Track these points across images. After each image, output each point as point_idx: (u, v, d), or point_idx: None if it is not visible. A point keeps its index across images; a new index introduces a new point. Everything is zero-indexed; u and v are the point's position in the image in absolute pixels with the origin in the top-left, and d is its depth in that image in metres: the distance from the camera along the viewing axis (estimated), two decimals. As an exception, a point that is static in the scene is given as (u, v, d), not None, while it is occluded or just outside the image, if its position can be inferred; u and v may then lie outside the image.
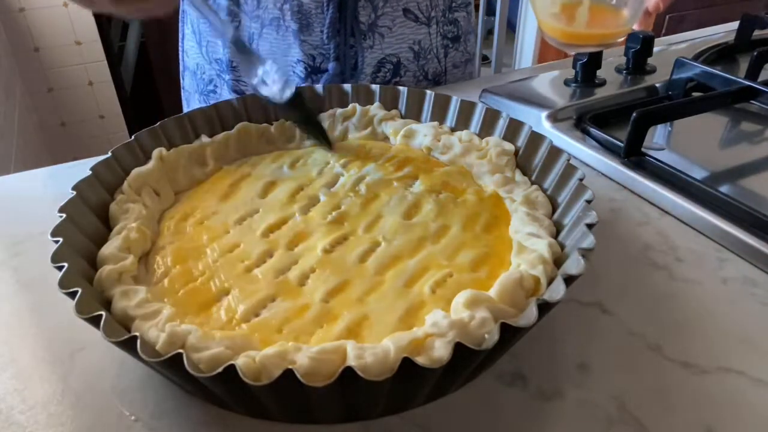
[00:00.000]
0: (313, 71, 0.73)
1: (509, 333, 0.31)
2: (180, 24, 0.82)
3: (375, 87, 0.60)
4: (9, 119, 1.63)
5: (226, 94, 0.79)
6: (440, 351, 0.32)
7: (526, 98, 0.71)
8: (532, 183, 0.49)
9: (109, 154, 0.48)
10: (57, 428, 0.35)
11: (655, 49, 0.77)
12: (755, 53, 0.71)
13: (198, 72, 0.80)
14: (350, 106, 0.59)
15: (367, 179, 0.50)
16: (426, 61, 0.78)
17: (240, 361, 0.31)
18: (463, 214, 0.46)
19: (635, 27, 0.57)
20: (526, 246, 0.41)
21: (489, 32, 2.75)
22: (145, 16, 0.49)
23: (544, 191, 0.48)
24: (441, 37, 0.78)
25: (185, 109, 0.84)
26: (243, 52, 0.54)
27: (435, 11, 0.76)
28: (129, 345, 0.31)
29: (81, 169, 0.46)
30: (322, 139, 0.55)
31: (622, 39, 0.58)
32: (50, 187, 0.61)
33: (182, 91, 0.86)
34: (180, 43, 0.83)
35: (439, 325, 0.33)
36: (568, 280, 0.34)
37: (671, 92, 0.72)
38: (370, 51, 0.74)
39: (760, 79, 0.71)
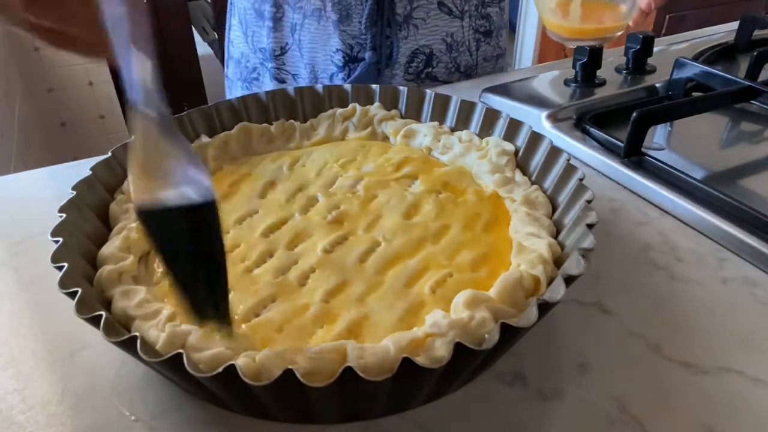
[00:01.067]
0: (350, 60, 0.77)
1: (509, 333, 0.31)
2: (228, 16, 0.86)
3: (375, 87, 0.60)
4: (9, 119, 1.63)
5: (267, 80, 0.83)
6: (440, 351, 0.32)
7: (526, 98, 0.71)
8: (532, 183, 0.49)
9: (109, 154, 0.48)
10: (57, 428, 0.35)
11: (655, 49, 0.77)
12: (755, 53, 0.71)
13: (242, 60, 0.84)
14: (350, 106, 0.59)
15: (367, 179, 0.50)
16: (458, 54, 0.81)
17: (240, 361, 0.31)
18: (463, 214, 0.46)
19: (631, 25, 0.57)
20: (526, 246, 0.41)
21: (489, 32, 2.74)
22: (73, 50, 0.38)
23: (544, 191, 0.48)
24: (473, 31, 0.81)
25: (228, 97, 0.88)
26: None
27: (468, 5, 0.79)
28: (129, 345, 0.31)
29: (81, 169, 0.46)
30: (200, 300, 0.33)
31: (621, 33, 0.59)
32: (50, 187, 0.61)
33: (225, 79, 0.91)
34: (226, 34, 0.88)
35: (439, 325, 0.33)
36: (568, 280, 0.34)
37: (671, 92, 0.72)
38: (404, 41, 0.77)
39: (760, 79, 0.71)
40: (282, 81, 0.82)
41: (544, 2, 0.57)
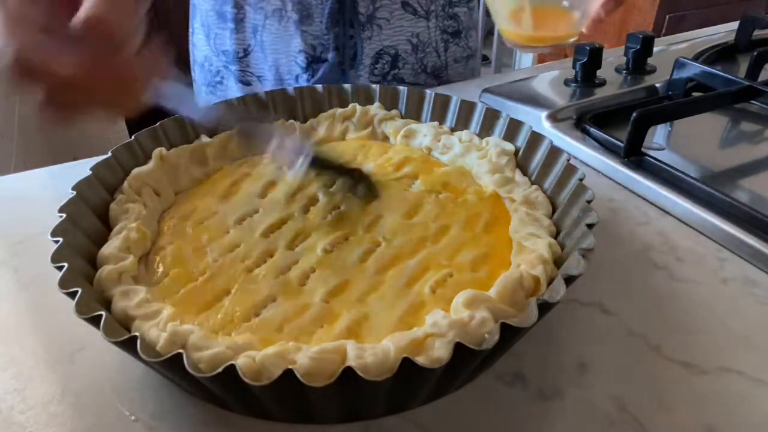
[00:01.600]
0: (313, 61, 0.75)
1: (509, 333, 0.31)
2: (190, 20, 0.85)
3: (375, 87, 0.60)
4: (9, 119, 1.63)
5: (232, 84, 0.81)
6: (440, 351, 0.32)
7: (526, 98, 0.71)
8: (532, 183, 0.49)
9: (109, 154, 0.48)
10: (57, 428, 0.35)
11: (655, 49, 0.77)
12: (755, 53, 0.71)
13: (206, 64, 0.83)
14: (350, 106, 0.59)
15: (367, 179, 0.50)
16: (425, 55, 0.79)
17: (240, 361, 0.31)
18: (463, 214, 0.46)
19: (585, 32, 0.58)
20: (526, 246, 0.41)
21: (489, 32, 2.75)
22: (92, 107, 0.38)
23: (544, 191, 0.48)
24: (440, 32, 0.79)
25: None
26: (251, 130, 0.49)
27: (434, 5, 0.77)
28: (129, 345, 0.31)
29: (81, 169, 0.46)
30: (364, 187, 0.48)
31: (575, 40, 0.59)
32: (50, 187, 0.61)
33: (193, 84, 0.89)
34: (190, 38, 0.86)
35: (439, 325, 0.33)
36: (568, 280, 0.34)
37: (671, 92, 0.72)
38: (368, 42, 0.75)
39: (760, 79, 0.71)
40: (247, 84, 0.80)
41: (497, 11, 0.58)
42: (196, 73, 0.86)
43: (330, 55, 0.74)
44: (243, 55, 0.78)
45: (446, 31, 0.80)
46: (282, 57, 0.76)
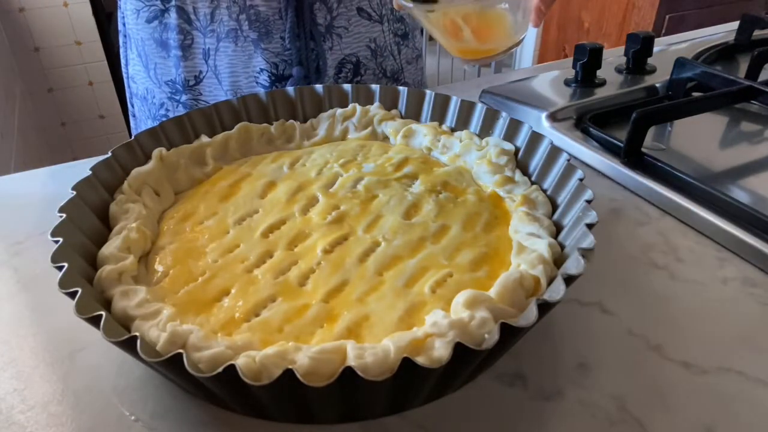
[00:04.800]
0: (277, 79, 0.73)
1: (509, 333, 0.31)
2: (122, 50, 0.80)
3: (375, 87, 0.60)
4: (9, 119, 1.63)
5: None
6: (440, 351, 0.32)
7: (526, 98, 0.71)
8: (532, 183, 0.49)
9: (109, 154, 0.48)
10: (57, 428, 0.35)
11: (655, 49, 0.77)
12: (755, 53, 0.71)
13: (148, 97, 0.77)
14: (350, 106, 0.59)
15: (367, 179, 0.50)
16: (383, 59, 0.79)
17: (240, 361, 0.31)
18: (463, 214, 0.46)
19: (533, 26, 0.56)
20: (526, 246, 0.41)
21: (489, 32, 2.75)
22: None
23: (544, 191, 0.48)
24: (392, 35, 0.79)
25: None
26: None
27: (385, 9, 0.77)
28: (129, 345, 0.31)
29: (81, 169, 0.46)
30: None
31: (516, 46, 0.58)
32: (50, 187, 0.61)
33: (131, 119, 0.83)
34: (124, 70, 0.81)
35: (439, 325, 0.33)
36: (568, 280, 0.34)
37: (671, 92, 0.72)
38: (330, 52, 0.74)
39: (760, 79, 0.71)
40: None
41: (434, 31, 0.57)
42: (136, 108, 0.81)
43: (294, 70, 0.72)
44: (194, 83, 0.73)
45: (396, 33, 0.80)
46: (241, 79, 0.72)
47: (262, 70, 0.72)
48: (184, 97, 0.75)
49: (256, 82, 0.73)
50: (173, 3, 0.70)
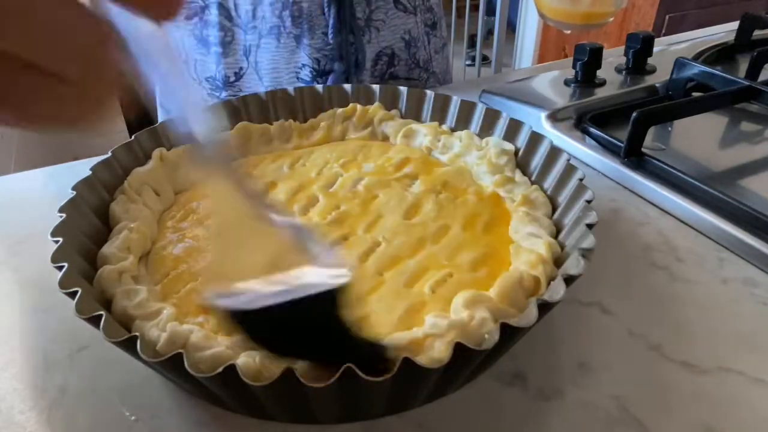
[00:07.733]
0: (319, 74, 0.74)
1: (509, 333, 0.31)
2: None
3: (375, 87, 0.60)
4: (9, 119, 1.63)
5: None
6: (440, 351, 0.32)
7: (526, 98, 0.71)
8: (532, 183, 0.49)
9: (109, 154, 0.48)
10: (57, 428, 0.35)
11: (655, 49, 0.77)
12: (755, 53, 0.71)
13: None
14: (350, 105, 0.59)
15: (367, 179, 0.50)
16: (417, 50, 0.79)
17: (240, 361, 0.31)
18: (463, 214, 0.46)
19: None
20: (526, 246, 0.41)
21: (489, 32, 2.75)
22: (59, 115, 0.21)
23: (544, 191, 0.48)
24: (424, 25, 0.80)
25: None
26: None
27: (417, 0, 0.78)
28: (129, 345, 0.31)
29: (81, 169, 0.46)
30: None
31: (611, 19, 0.60)
32: (50, 187, 0.61)
33: (159, 109, 0.81)
34: None
35: (439, 325, 0.33)
36: (568, 280, 0.34)
37: (671, 92, 0.72)
38: (368, 46, 0.75)
39: (760, 79, 0.71)
40: None
41: None
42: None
43: (336, 65, 0.73)
44: (235, 80, 0.74)
45: (426, 23, 0.80)
46: (282, 75, 0.73)
47: (304, 65, 0.73)
48: (224, 94, 0.75)
49: (297, 78, 0.74)
50: (214, 0, 0.70)
